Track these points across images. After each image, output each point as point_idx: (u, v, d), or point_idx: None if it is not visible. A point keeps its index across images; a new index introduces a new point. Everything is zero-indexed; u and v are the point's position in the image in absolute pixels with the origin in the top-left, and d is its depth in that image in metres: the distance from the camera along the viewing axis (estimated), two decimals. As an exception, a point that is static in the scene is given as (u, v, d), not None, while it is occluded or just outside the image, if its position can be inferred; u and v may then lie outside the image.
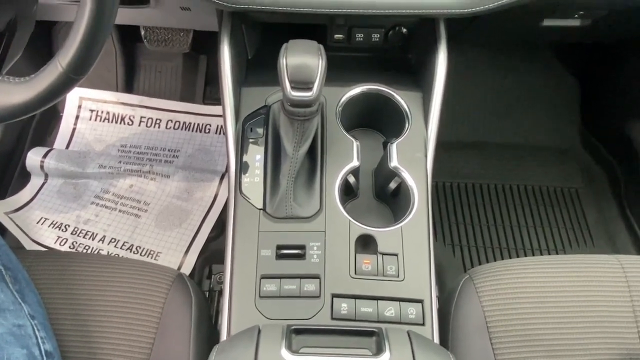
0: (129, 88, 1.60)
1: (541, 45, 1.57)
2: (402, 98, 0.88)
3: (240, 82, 0.90)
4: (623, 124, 1.42)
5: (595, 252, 1.35)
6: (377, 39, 0.92)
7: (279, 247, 0.76)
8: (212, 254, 1.33)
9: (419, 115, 0.87)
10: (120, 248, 1.33)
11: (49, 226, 1.36)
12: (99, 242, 1.33)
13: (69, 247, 1.32)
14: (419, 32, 0.91)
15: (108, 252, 1.31)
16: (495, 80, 1.57)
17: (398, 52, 0.98)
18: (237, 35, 0.90)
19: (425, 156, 0.84)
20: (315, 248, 0.76)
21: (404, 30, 0.91)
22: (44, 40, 1.53)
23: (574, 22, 1.00)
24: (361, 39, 0.92)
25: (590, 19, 1.00)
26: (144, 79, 1.61)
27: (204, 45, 1.56)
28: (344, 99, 0.87)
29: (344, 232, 0.77)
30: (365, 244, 0.77)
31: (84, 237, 1.34)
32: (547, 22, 1.00)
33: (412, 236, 0.78)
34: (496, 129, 1.54)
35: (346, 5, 0.79)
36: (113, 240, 1.34)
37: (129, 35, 1.53)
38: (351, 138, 0.84)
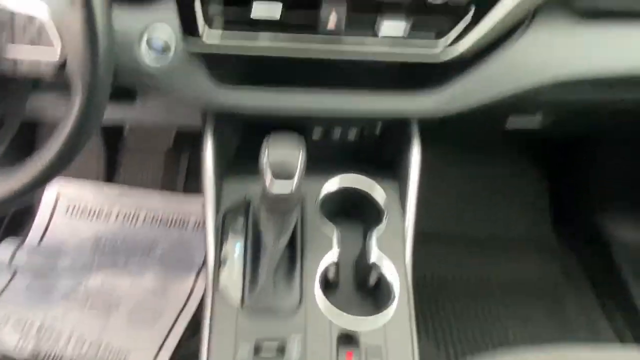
0: (109, 181, 1.61)
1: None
2: (378, 191, 0.90)
3: (222, 175, 0.92)
4: (591, 214, 1.47)
5: (577, 342, 1.33)
6: (353, 136, 0.97)
7: (257, 343, 0.73)
8: (185, 355, 1.25)
9: (396, 208, 0.89)
10: (88, 348, 1.25)
11: (12, 326, 1.28)
12: (64, 343, 1.25)
13: (31, 352, 1.23)
14: (392, 130, 0.97)
15: (71, 358, 1.23)
16: (470, 173, 1.63)
17: (374, 145, 1.03)
18: (220, 133, 0.93)
19: (404, 249, 0.85)
20: (295, 343, 0.73)
21: (377, 130, 0.97)
22: (28, 133, 1.55)
23: (535, 125, 1.08)
24: (338, 137, 0.97)
25: (550, 120, 1.08)
26: (125, 173, 1.62)
27: (186, 140, 1.60)
28: (322, 195, 0.90)
29: (325, 327, 0.75)
30: (348, 338, 0.75)
31: (48, 338, 1.26)
32: (510, 125, 1.08)
33: (395, 332, 0.76)
34: (474, 222, 1.57)
35: (322, 112, 0.83)
36: (80, 340, 1.26)
37: (112, 130, 1.57)
38: (331, 228, 0.85)
